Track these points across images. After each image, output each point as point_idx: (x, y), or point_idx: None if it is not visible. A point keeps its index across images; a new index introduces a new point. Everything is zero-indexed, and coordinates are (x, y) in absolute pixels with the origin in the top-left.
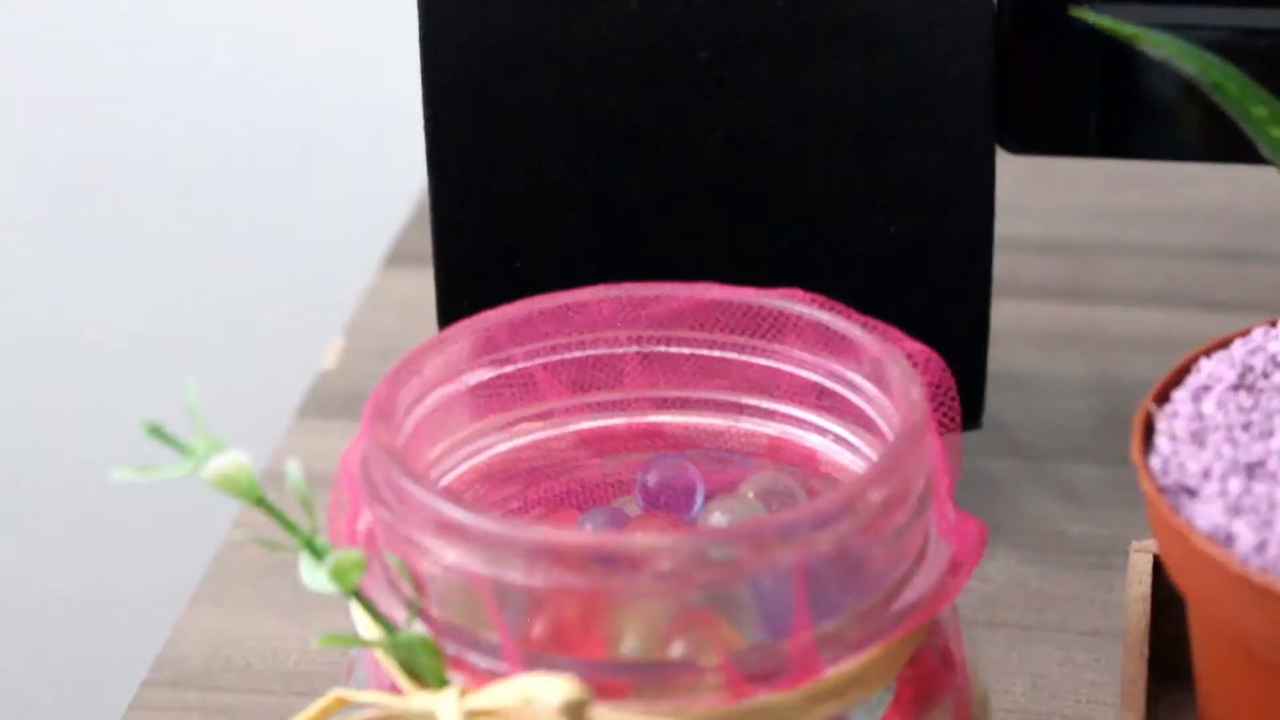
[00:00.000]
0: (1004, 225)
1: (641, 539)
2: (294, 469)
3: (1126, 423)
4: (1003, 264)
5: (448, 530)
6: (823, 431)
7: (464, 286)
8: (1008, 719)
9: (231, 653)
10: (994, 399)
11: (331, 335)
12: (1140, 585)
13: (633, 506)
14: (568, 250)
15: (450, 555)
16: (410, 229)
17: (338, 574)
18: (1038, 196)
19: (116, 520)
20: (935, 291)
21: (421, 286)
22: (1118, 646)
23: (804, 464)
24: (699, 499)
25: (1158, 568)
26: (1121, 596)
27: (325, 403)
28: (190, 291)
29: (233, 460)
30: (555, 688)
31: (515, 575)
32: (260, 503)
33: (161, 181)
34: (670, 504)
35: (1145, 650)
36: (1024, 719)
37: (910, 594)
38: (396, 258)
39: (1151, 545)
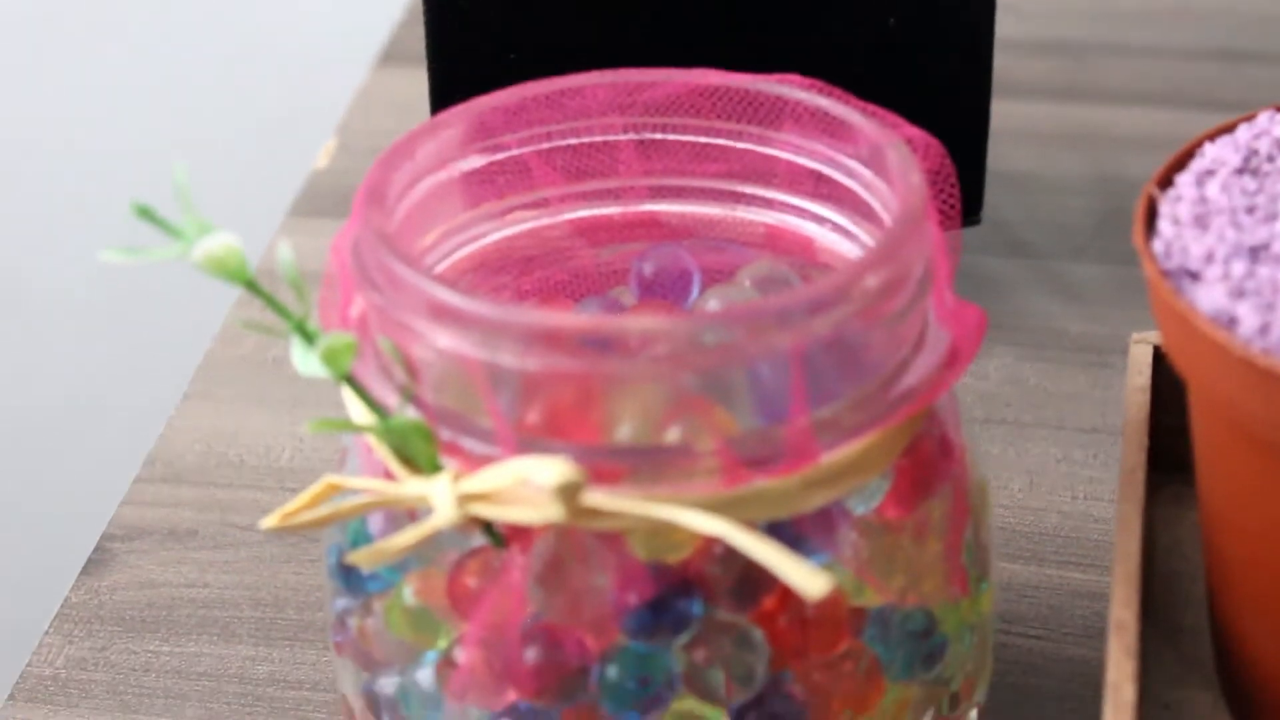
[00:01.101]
0: (1004, 26)
1: (637, 322)
2: (285, 251)
3: (1126, 222)
4: (1003, 64)
5: (441, 314)
6: (820, 220)
7: (457, 81)
8: (1005, 515)
9: (224, 449)
10: (993, 198)
11: (324, 136)
12: (1140, 376)
13: (628, 296)
14: (562, 41)
15: (443, 339)
16: (403, 28)
17: (329, 357)
18: None
19: (110, 318)
20: (935, 85)
21: (415, 86)
22: (1116, 444)
23: (801, 253)
24: (695, 288)
25: (1158, 360)
26: (1120, 394)
27: (317, 202)
28: (183, 92)
29: (222, 241)
30: (550, 469)
31: (509, 359)
32: (250, 285)
33: None
34: (666, 293)
35: (1145, 441)
36: (1021, 515)
37: (908, 380)
38: (390, 57)
39: (1152, 337)
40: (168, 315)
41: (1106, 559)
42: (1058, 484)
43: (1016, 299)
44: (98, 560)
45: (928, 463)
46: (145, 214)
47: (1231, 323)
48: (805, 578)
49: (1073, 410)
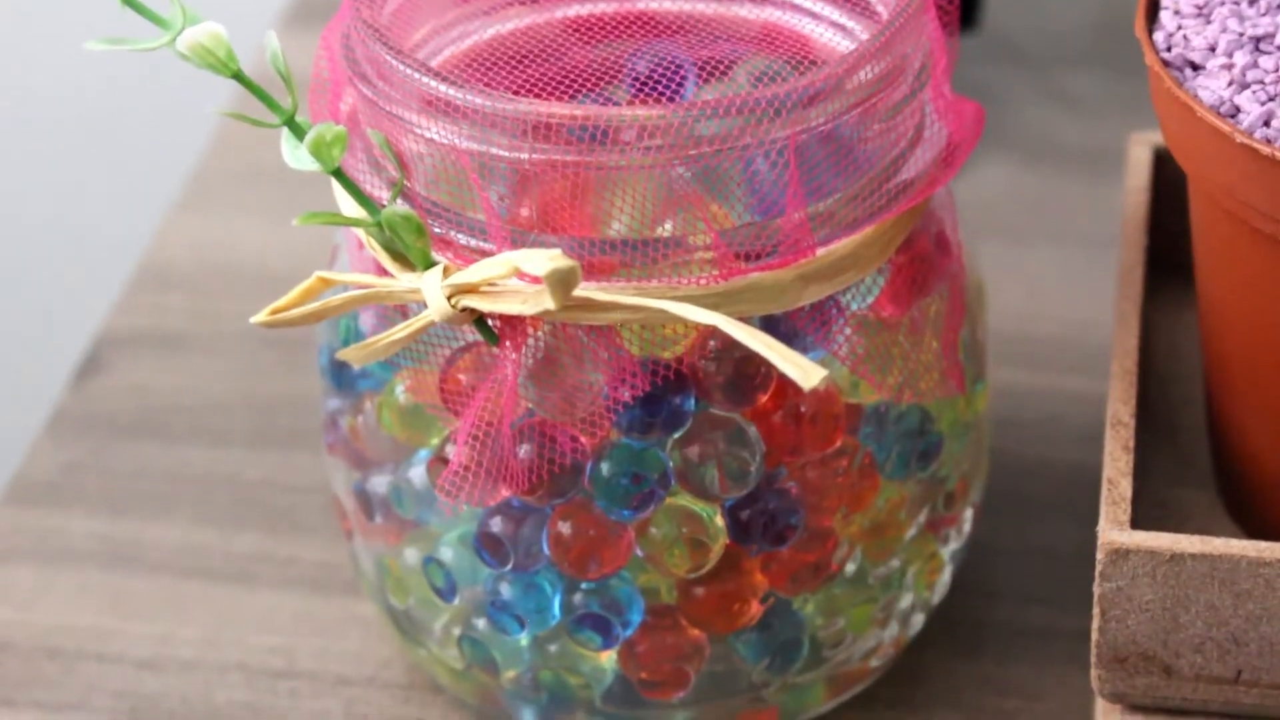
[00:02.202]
0: None
1: (631, 112)
2: (272, 40)
3: (1125, 31)
4: None
5: (433, 105)
6: (816, 16)
7: None
8: (1002, 323)
9: (215, 256)
10: (993, 7)
11: None
12: (1138, 177)
13: (622, 93)
14: None
15: (435, 131)
16: None
17: (318, 148)
18: None
19: (101, 124)
20: None
21: None
22: (1114, 253)
23: (798, 50)
24: (689, 86)
25: (1157, 162)
26: (1119, 204)
27: (308, 10)
28: None
29: (209, 30)
30: (542, 259)
31: (502, 151)
32: (238, 76)
33: None
34: (660, 90)
35: (1143, 241)
36: (1019, 323)
37: (905, 174)
38: None
39: (1151, 138)
40: (161, 125)
41: (1104, 366)
42: (1055, 292)
43: (1015, 108)
44: (90, 366)
45: (924, 260)
46: (130, 3)
47: (1233, 113)
48: (800, 368)
49: (1071, 219)
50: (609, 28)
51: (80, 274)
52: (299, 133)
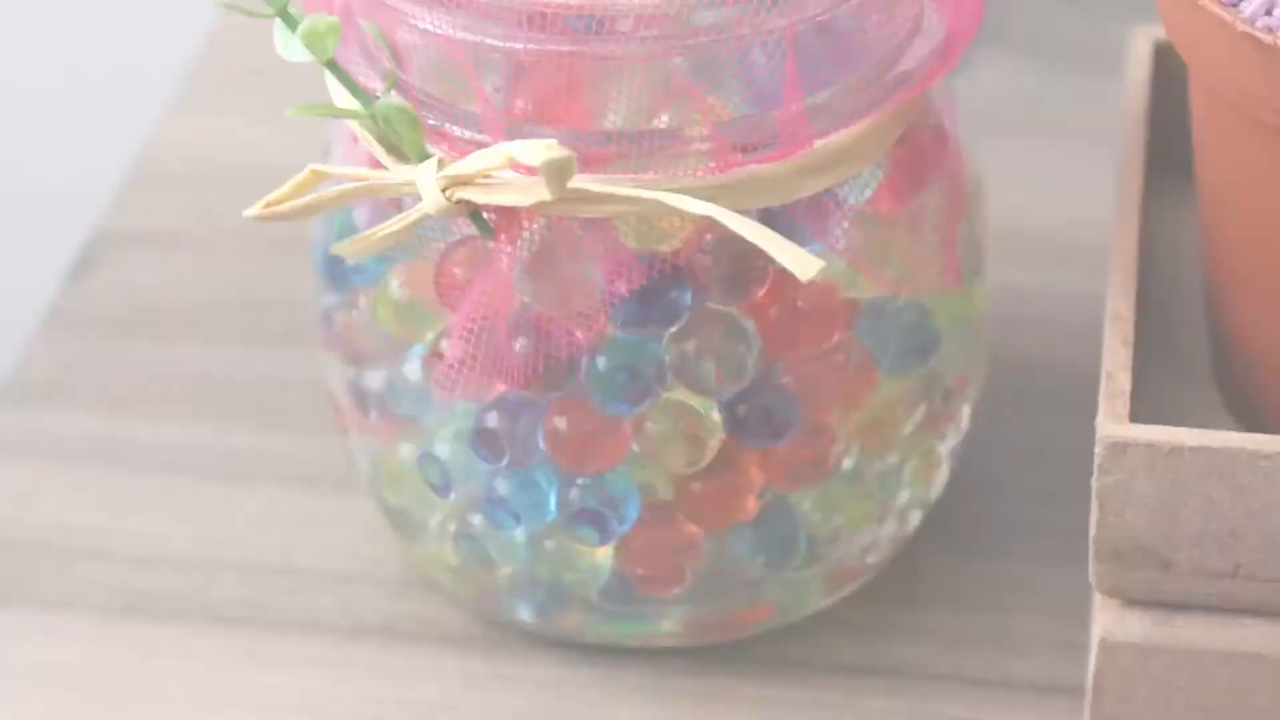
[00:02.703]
0: None
1: (626, 1)
2: None
3: None
4: None
5: None
6: None
7: None
8: (1001, 221)
9: (209, 155)
10: None
11: None
12: (1139, 71)
13: None
14: None
15: (429, 20)
16: None
17: (310, 38)
18: None
19: (95, 22)
20: None
21: None
22: (1114, 151)
23: None
24: None
25: (1157, 55)
26: (1119, 100)
27: None
28: None
29: None
30: (538, 149)
31: (497, 41)
32: None
33: None
34: None
35: (1143, 135)
36: (1017, 220)
37: (904, 65)
38: None
39: (1151, 31)
40: (155, 23)
41: (1103, 264)
42: (1055, 189)
43: (1014, 3)
44: (85, 265)
45: (923, 153)
46: None
47: (1235, 2)
48: (798, 259)
49: (1070, 116)
50: None
51: (74, 173)
52: (292, 23)
